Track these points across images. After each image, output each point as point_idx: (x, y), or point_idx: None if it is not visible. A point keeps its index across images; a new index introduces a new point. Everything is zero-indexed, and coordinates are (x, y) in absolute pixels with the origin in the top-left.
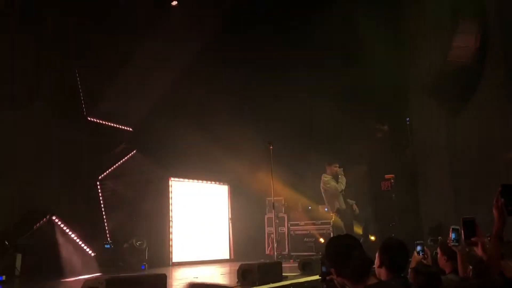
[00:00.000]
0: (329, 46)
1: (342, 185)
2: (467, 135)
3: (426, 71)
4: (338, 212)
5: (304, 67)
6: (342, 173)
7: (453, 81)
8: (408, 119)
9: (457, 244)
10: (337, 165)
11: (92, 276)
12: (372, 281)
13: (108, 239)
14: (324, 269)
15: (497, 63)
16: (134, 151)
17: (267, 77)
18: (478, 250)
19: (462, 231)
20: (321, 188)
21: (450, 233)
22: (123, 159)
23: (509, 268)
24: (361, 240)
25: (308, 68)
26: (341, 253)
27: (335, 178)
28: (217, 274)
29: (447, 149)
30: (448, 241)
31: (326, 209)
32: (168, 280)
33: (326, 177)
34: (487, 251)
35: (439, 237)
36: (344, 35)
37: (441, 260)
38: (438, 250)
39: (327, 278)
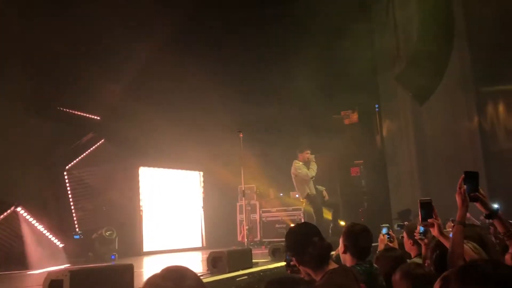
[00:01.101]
0: (300, 33)
1: (313, 172)
2: (434, 121)
3: (394, 59)
4: (308, 198)
5: (274, 54)
6: (314, 160)
7: (421, 68)
8: (377, 106)
9: (423, 237)
10: (309, 152)
11: (58, 268)
12: (332, 266)
13: (77, 229)
14: (288, 256)
15: (462, 49)
16: (103, 140)
17: (238, 64)
18: (434, 231)
19: (419, 213)
20: (291, 174)
21: (418, 226)
22: (91, 148)
23: (468, 252)
24: (331, 226)
25: (279, 55)
26: (300, 243)
27: (307, 164)
28: (188, 262)
29: (414, 135)
30: (415, 234)
31: (297, 196)
32: (136, 270)
33: (297, 163)
34: (444, 234)
35: (405, 222)
36: (315, 21)
37: (407, 244)
38: (404, 234)
39: (291, 263)
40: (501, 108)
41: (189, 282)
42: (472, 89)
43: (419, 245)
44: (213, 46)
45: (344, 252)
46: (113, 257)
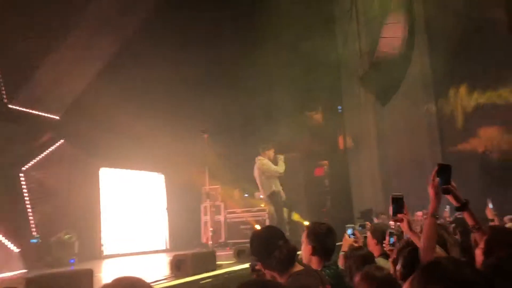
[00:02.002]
0: (265, 34)
1: (281, 168)
2: (395, 121)
3: (357, 62)
4: (273, 195)
5: (239, 55)
6: (283, 160)
7: (383, 70)
8: (340, 107)
9: (393, 247)
10: (273, 150)
11: (13, 275)
12: (297, 268)
13: (35, 233)
14: (252, 261)
15: (422, 48)
16: (62, 141)
17: (204, 63)
18: (403, 226)
19: (390, 207)
20: (256, 170)
21: (387, 237)
22: (50, 149)
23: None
24: (287, 228)
25: (246, 57)
26: (265, 248)
27: (272, 162)
28: (151, 265)
29: (376, 135)
30: (384, 245)
31: (261, 196)
32: (96, 275)
33: (263, 160)
34: (413, 229)
35: (367, 223)
36: (279, 22)
37: (371, 243)
38: (368, 234)
39: (256, 268)
40: (458, 106)
41: None
42: (431, 87)
43: (382, 245)
44: (178, 45)
45: (312, 254)
46: (72, 261)
